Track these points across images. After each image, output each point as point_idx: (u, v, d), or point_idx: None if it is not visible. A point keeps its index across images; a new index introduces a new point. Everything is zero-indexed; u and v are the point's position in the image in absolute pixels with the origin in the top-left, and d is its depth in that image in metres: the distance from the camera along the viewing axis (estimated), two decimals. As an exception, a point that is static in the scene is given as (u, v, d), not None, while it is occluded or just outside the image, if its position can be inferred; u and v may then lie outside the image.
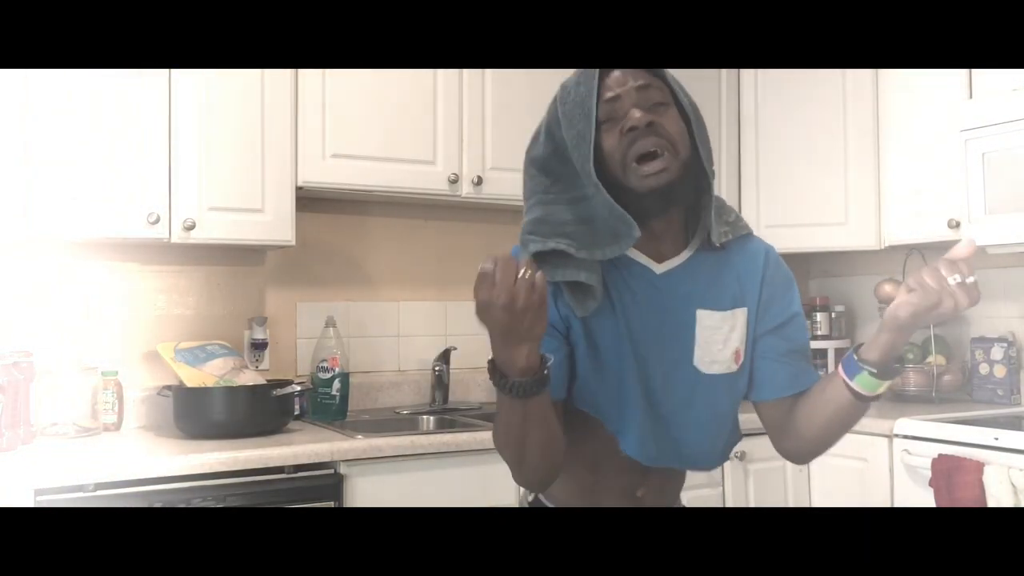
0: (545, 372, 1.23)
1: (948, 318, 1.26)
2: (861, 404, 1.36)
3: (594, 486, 1.47)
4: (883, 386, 1.32)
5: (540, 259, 1.34)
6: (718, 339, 1.42)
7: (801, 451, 1.48)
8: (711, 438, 1.47)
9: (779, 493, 2.88)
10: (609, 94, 1.35)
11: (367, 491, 2.32)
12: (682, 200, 1.40)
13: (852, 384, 1.33)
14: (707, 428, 1.46)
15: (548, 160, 1.40)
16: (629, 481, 1.46)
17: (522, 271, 1.14)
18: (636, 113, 1.33)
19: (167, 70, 2.43)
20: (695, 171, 1.38)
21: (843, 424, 1.40)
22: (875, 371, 1.30)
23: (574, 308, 1.37)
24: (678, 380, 1.42)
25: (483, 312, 1.16)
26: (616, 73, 1.37)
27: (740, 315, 1.44)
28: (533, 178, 1.43)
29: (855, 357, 1.33)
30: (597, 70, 1.37)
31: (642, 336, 1.40)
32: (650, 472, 1.45)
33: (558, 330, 1.38)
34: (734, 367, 1.44)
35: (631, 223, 1.33)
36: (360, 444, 2.33)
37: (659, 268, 1.41)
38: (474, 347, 3.14)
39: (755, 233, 1.50)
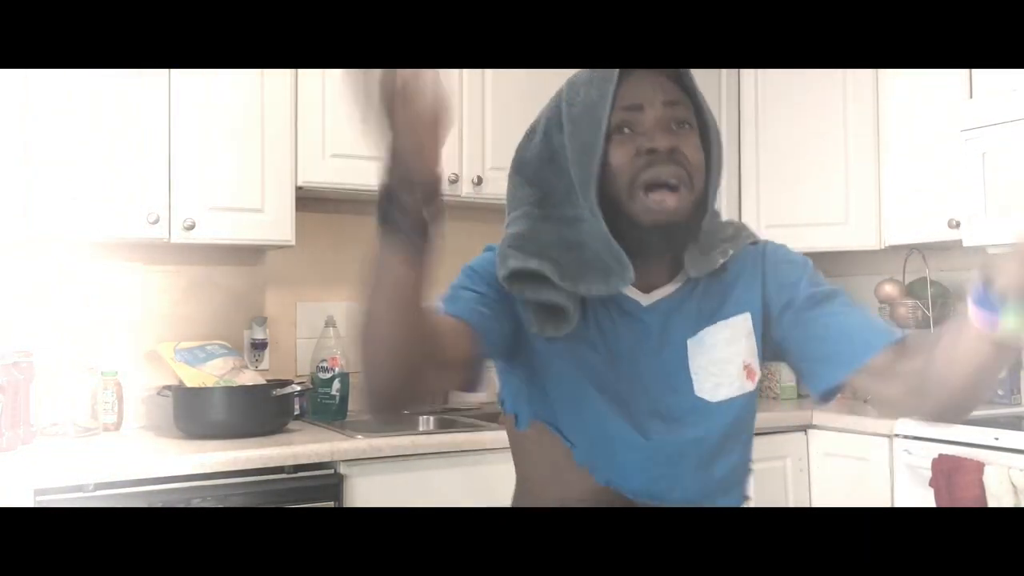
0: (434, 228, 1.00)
1: None
2: (1003, 351, 1.04)
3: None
4: None
5: (518, 278, 1.21)
6: (716, 359, 1.25)
7: (943, 409, 1.20)
8: (740, 468, 1.30)
9: (779, 493, 2.87)
10: (629, 102, 1.18)
11: (367, 491, 2.32)
12: (686, 239, 1.23)
13: (994, 329, 1.01)
14: (734, 456, 1.28)
15: (541, 167, 1.24)
16: None
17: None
18: (659, 136, 1.17)
19: (167, 70, 2.43)
20: (704, 204, 1.23)
21: (985, 374, 1.10)
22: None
23: (534, 326, 1.22)
24: (684, 416, 1.25)
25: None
26: (642, 78, 1.20)
27: (740, 322, 1.26)
28: (519, 188, 1.27)
29: (986, 291, 1.01)
30: (615, 72, 1.19)
31: (628, 370, 1.25)
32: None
33: (501, 305, 1.23)
34: (749, 385, 1.27)
35: (626, 264, 1.17)
36: (360, 444, 2.33)
37: (646, 300, 1.26)
38: (474, 347, 3.13)
39: (755, 232, 1.35)
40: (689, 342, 1.26)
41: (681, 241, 1.23)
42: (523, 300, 1.23)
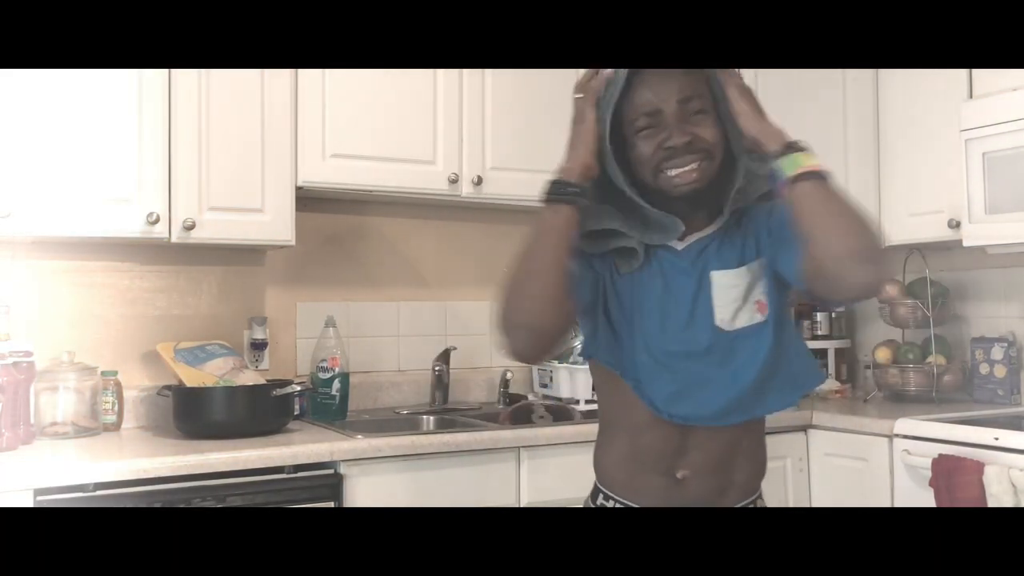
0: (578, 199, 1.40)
1: None
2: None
3: (635, 458, 1.52)
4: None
5: (591, 234, 1.49)
6: (735, 296, 1.47)
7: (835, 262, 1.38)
8: (757, 387, 1.47)
9: (779, 493, 2.87)
10: (649, 108, 1.43)
11: (367, 491, 2.32)
12: (712, 198, 1.50)
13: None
14: (748, 379, 1.46)
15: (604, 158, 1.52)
16: (670, 462, 1.50)
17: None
18: (676, 133, 1.42)
19: (167, 70, 2.43)
20: (728, 163, 1.49)
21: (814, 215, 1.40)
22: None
23: (620, 266, 1.52)
24: (705, 342, 1.47)
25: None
26: (656, 82, 1.43)
27: (756, 267, 1.49)
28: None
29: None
30: (625, 73, 1.43)
31: (664, 301, 1.49)
32: (688, 451, 1.49)
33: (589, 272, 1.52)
34: (759, 317, 1.47)
35: (677, 222, 1.50)
36: (360, 444, 2.33)
37: (680, 245, 1.51)
38: (474, 347, 3.14)
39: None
40: (712, 274, 1.48)
41: (708, 200, 1.49)
42: (602, 253, 1.52)
